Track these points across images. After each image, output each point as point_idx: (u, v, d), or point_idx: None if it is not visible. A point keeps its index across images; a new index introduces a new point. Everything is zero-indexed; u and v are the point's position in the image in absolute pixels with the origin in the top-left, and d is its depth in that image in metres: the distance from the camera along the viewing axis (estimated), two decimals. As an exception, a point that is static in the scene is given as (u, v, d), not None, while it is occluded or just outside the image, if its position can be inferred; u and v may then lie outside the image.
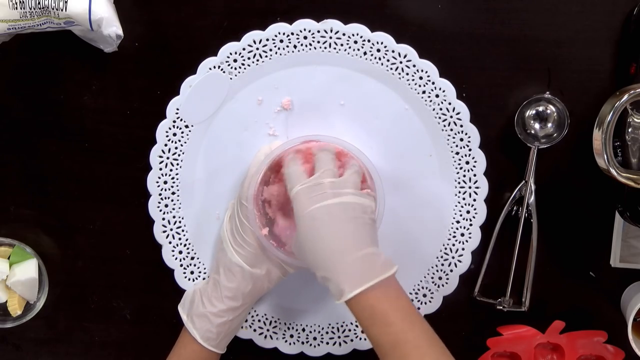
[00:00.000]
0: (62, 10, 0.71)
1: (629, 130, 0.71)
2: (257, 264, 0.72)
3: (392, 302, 0.62)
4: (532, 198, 0.76)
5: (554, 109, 0.75)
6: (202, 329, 0.72)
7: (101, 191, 0.81)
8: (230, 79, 0.76)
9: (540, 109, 0.75)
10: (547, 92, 0.76)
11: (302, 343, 0.80)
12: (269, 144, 0.76)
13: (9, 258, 0.80)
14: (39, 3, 0.70)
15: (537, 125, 0.76)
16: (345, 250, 0.62)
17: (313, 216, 0.64)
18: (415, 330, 0.61)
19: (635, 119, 0.71)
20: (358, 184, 0.68)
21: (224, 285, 0.72)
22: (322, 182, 0.65)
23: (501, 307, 0.78)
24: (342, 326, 0.80)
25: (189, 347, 0.72)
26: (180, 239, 0.79)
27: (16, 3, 0.70)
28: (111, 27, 0.73)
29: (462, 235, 0.78)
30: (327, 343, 0.80)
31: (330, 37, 0.75)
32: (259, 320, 0.80)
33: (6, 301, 0.80)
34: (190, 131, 0.77)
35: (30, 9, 0.70)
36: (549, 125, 0.76)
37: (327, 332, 0.80)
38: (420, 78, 0.75)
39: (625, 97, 0.68)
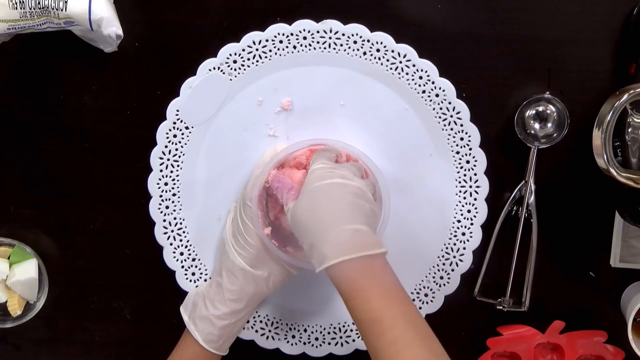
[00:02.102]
0: (62, 10, 0.71)
1: (629, 130, 0.71)
2: (259, 266, 0.72)
3: (374, 278, 0.61)
4: (532, 198, 0.76)
5: (554, 109, 0.75)
6: (204, 331, 0.72)
7: (101, 191, 0.81)
8: (230, 80, 0.76)
9: (540, 109, 0.75)
10: (547, 92, 0.76)
11: (304, 344, 0.80)
12: (274, 146, 0.76)
13: (9, 258, 0.80)
14: (39, 3, 0.70)
15: (537, 125, 0.76)
16: (338, 221, 0.63)
17: (319, 188, 0.65)
18: (393, 309, 0.60)
19: (635, 119, 0.71)
20: (361, 175, 0.70)
21: (226, 288, 0.72)
22: (331, 165, 0.68)
23: (501, 307, 0.78)
24: (343, 326, 0.80)
25: (190, 348, 0.72)
26: (181, 240, 0.79)
27: (16, 3, 0.70)
28: (111, 27, 0.73)
29: (463, 234, 0.78)
30: (329, 343, 0.80)
31: (330, 38, 0.75)
32: (261, 321, 0.80)
33: (6, 301, 0.80)
34: (190, 132, 0.77)
35: (30, 9, 0.70)
36: (549, 125, 0.75)
37: (328, 333, 0.80)
38: (420, 78, 0.75)
39: (625, 97, 0.68)
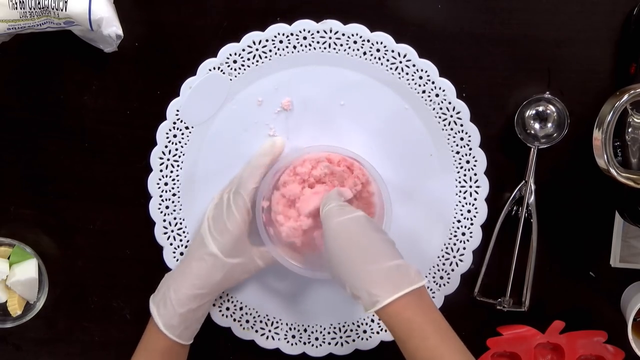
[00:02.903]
0: (62, 10, 0.71)
1: (629, 130, 0.71)
2: (232, 254, 0.72)
3: (427, 314, 0.62)
4: (532, 198, 0.76)
5: (554, 109, 0.75)
6: (165, 315, 0.71)
7: (101, 191, 0.81)
8: (230, 80, 0.76)
9: (540, 109, 0.75)
10: (547, 92, 0.76)
11: (304, 343, 0.80)
12: (273, 140, 0.76)
13: (9, 258, 0.80)
14: (39, 3, 0.70)
15: (537, 125, 0.76)
16: (378, 259, 0.63)
17: (344, 225, 0.65)
18: (450, 345, 0.61)
19: (635, 119, 0.71)
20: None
21: (192, 273, 0.72)
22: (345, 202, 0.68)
23: (501, 307, 0.78)
24: (343, 326, 0.80)
25: (154, 335, 0.72)
26: (181, 240, 0.79)
27: (16, 3, 0.70)
28: (111, 27, 0.73)
29: (463, 234, 0.78)
30: (329, 343, 0.80)
31: (330, 38, 0.75)
32: (261, 321, 0.80)
33: (6, 301, 0.80)
34: (190, 132, 0.77)
35: (30, 9, 0.70)
36: (549, 125, 0.76)
37: (329, 333, 0.80)
38: (420, 78, 0.75)
39: (625, 97, 0.68)
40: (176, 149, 0.77)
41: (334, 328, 0.80)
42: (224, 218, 0.71)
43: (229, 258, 0.72)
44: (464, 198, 0.77)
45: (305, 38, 0.75)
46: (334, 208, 0.67)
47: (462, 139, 0.76)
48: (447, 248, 0.78)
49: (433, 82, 0.75)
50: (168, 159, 0.78)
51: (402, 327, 0.61)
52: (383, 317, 0.62)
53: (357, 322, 0.80)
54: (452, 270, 0.78)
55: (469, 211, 0.77)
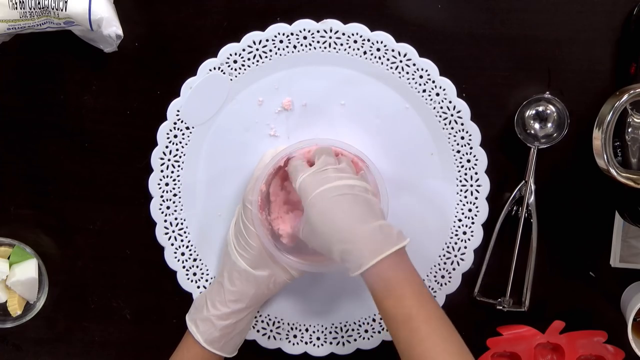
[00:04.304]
0: (62, 10, 0.71)
1: (629, 130, 0.71)
2: (260, 267, 0.72)
3: (407, 275, 0.63)
4: (532, 198, 0.76)
5: (554, 109, 0.75)
6: (205, 332, 0.72)
7: (101, 191, 0.81)
8: (231, 80, 0.76)
9: (540, 109, 0.76)
10: (547, 92, 0.76)
11: (306, 343, 0.80)
12: (275, 148, 0.76)
13: (9, 258, 0.80)
14: (39, 3, 0.70)
15: (537, 125, 0.76)
16: (362, 220, 0.63)
17: (322, 197, 0.65)
18: (427, 305, 0.61)
19: (635, 119, 0.71)
20: (354, 172, 0.70)
21: (227, 289, 0.72)
22: (325, 168, 0.67)
23: (501, 307, 0.78)
24: (345, 326, 0.80)
25: (193, 350, 0.72)
26: (182, 240, 0.79)
27: (16, 3, 0.70)
28: (111, 27, 0.73)
29: (464, 233, 0.78)
30: (331, 343, 0.80)
31: (330, 37, 0.75)
32: (262, 321, 0.80)
33: (6, 301, 0.80)
34: (191, 133, 0.77)
35: (30, 9, 0.70)
36: (549, 125, 0.76)
37: (330, 332, 0.80)
38: (421, 77, 0.75)
39: (625, 97, 0.68)
40: (177, 150, 0.77)
41: (336, 328, 0.80)
42: (244, 234, 0.71)
43: (258, 271, 0.72)
44: (465, 197, 0.77)
45: (305, 38, 0.75)
46: (306, 178, 0.67)
47: (462, 137, 0.76)
48: (448, 247, 0.78)
49: (433, 82, 0.75)
50: (169, 159, 0.78)
51: (380, 287, 0.62)
52: (365, 278, 0.63)
53: (359, 321, 0.80)
54: (454, 269, 0.78)
55: (470, 210, 0.77)
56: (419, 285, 0.63)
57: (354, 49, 0.75)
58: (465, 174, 0.77)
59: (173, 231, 0.79)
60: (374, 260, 0.61)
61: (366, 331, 0.80)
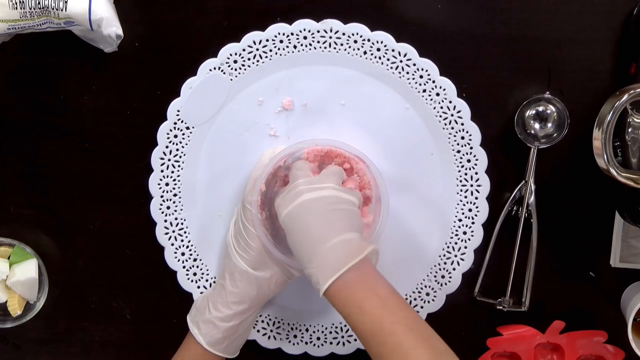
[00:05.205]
0: (62, 10, 0.71)
1: (629, 130, 0.71)
2: (261, 268, 0.72)
3: (366, 290, 0.62)
4: (532, 198, 0.76)
5: (554, 109, 0.75)
6: (208, 334, 0.72)
7: (101, 191, 0.81)
8: (231, 80, 0.76)
9: (540, 109, 0.76)
10: (547, 92, 0.76)
11: (306, 343, 0.80)
12: (273, 148, 0.76)
13: (9, 258, 0.80)
14: (39, 3, 0.70)
15: (537, 125, 0.76)
16: (318, 240, 0.63)
17: (289, 218, 0.65)
18: (392, 316, 0.60)
19: (635, 119, 0.71)
20: (337, 180, 0.68)
21: (229, 291, 0.72)
22: (296, 183, 0.67)
23: (501, 307, 0.78)
24: (345, 326, 0.80)
25: (193, 350, 0.72)
26: (182, 240, 0.79)
27: (16, 3, 0.70)
28: (111, 27, 0.73)
29: (465, 233, 0.78)
30: (331, 343, 0.80)
31: (330, 37, 0.75)
32: (263, 321, 0.80)
33: (6, 301, 0.80)
34: (191, 133, 0.77)
35: (30, 9, 0.70)
36: (549, 125, 0.76)
37: (330, 332, 0.80)
38: (421, 77, 0.75)
39: (625, 97, 0.68)
40: (177, 149, 0.77)
41: (336, 328, 0.80)
42: (244, 235, 0.71)
43: (258, 272, 0.72)
44: (465, 197, 0.77)
45: (305, 38, 0.75)
46: (278, 200, 0.67)
47: (462, 137, 0.76)
48: (448, 247, 0.78)
49: (434, 81, 0.75)
50: (169, 159, 0.78)
51: (341, 306, 0.62)
52: (328, 299, 0.62)
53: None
54: (454, 269, 0.78)
55: (470, 210, 0.77)
56: (385, 295, 0.62)
57: (354, 49, 0.75)
58: (465, 174, 0.77)
59: (173, 231, 0.79)
60: (330, 280, 0.61)
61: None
